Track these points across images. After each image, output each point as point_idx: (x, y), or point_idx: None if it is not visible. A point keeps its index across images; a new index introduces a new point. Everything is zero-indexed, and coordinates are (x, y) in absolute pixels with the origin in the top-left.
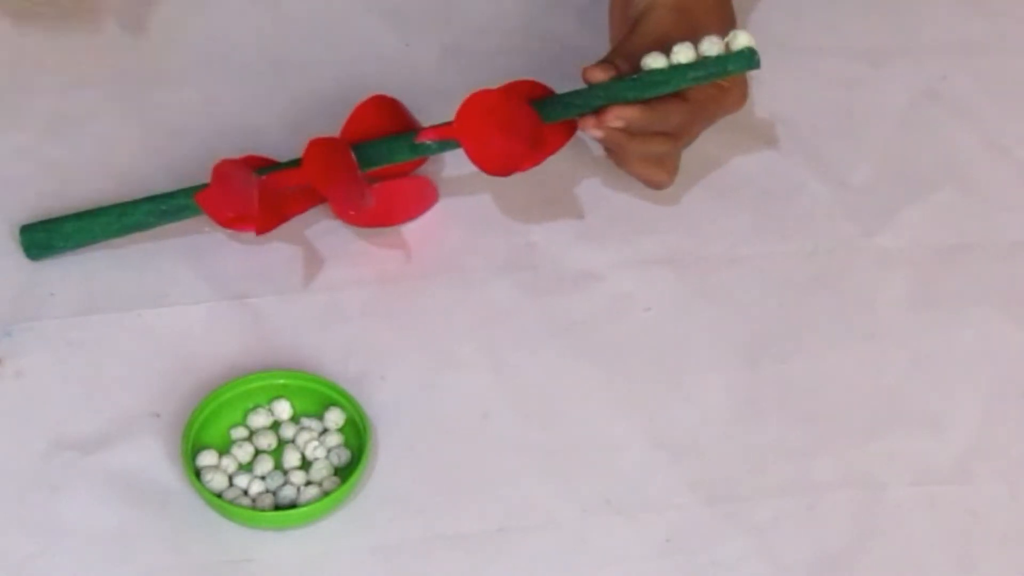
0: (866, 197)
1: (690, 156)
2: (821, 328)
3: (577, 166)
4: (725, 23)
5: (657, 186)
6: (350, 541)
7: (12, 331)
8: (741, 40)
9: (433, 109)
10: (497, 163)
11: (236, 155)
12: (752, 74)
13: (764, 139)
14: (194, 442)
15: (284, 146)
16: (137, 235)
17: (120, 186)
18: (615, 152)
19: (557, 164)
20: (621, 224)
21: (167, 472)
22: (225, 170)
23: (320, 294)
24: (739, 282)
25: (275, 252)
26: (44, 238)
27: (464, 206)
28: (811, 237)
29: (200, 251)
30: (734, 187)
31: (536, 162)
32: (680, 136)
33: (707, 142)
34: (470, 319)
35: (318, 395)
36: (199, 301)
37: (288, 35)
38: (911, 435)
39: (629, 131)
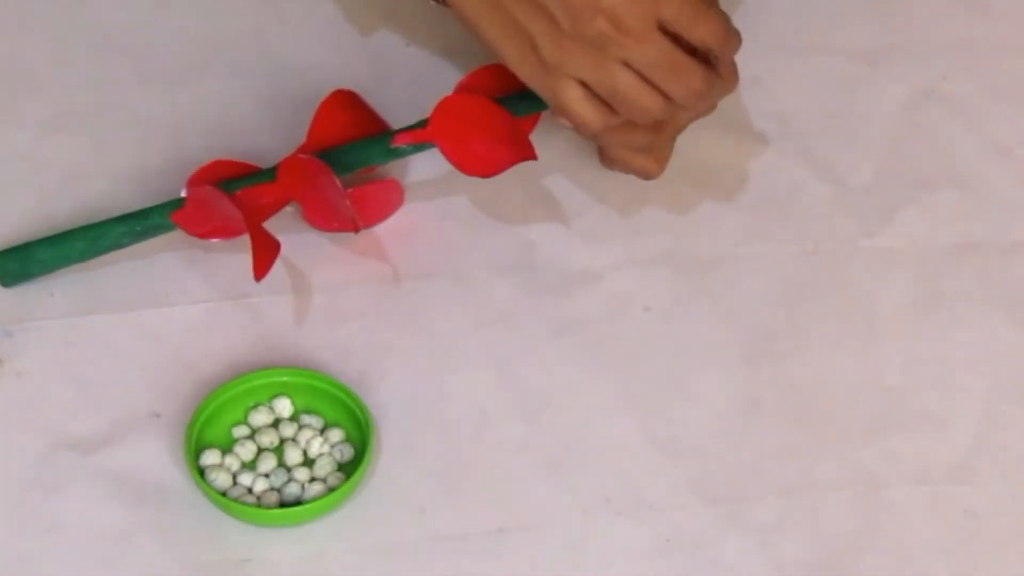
0: (866, 197)
1: (689, 156)
2: (821, 328)
3: (577, 166)
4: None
5: (646, 176)
6: (350, 541)
7: (12, 331)
8: None
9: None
10: (478, 165)
11: (231, 157)
12: (752, 74)
13: (764, 139)
14: (197, 441)
15: (283, 147)
16: None
17: (120, 186)
18: (599, 148)
19: (557, 164)
20: (621, 224)
21: (167, 472)
22: (202, 195)
23: (320, 294)
24: (739, 282)
25: None
26: (18, 267)
27: (463, 206)
28: (811, 237)
29: (200, 251)
30: (734, 187)
31: (519, 159)
32: (662, 126)
33: (706, 142)
34: (470, 319)
35: (319, 392)
36: (199, 301)
37: (288, 36)
38: (911, 435)
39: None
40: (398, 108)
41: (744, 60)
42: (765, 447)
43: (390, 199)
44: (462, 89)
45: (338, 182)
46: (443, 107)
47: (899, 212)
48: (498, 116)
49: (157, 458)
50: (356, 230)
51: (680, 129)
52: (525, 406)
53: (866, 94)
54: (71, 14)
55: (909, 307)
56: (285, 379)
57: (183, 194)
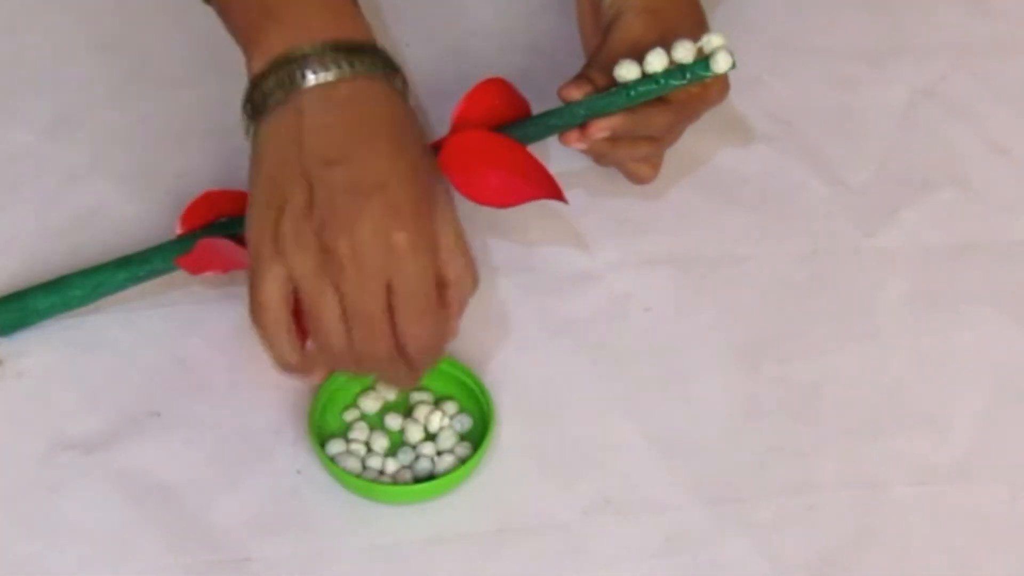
0: (866, 197)
1: (690, 156)
2: (821, 328)
3: (576, 166)
4: (697, 23)
5: (641, 182)
6: (350, 540)
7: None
8: (715, 42)
9: (433, 110)
10: (492, 196)
11: (230, 158)
12: (753, 74)
13: (764, 139)
14: (319, 431)
15: None
16: None
17: (120, 186)
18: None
19: (555, 164)
20: (621, 224)
21: (167, 472)
22: (211, 245)
23: None
24: (739, 282)
25: None
26: (17, 317)
27: (462, 206)
28: (811, 237)
29: None
30: (734, 187)
31: (543, 196)
32: (664, 138)
33: (706, 142)
34: (470, 319)
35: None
36: (199, 301)
37: None
38: (911, 435)
39: (613, 139)
40: None
41: (744, 60)
42: (765, 447)
43: None
44: (461, 117)
45: None
46: (451, 145)
47: (899, 212)
48: (514, 151)
49: (157, 458)
50: None
51: (676, 139)
52: (525, 406)
53: (866, 94)
54: (71, 14)
55: (909, 307)
56: None
57: (178, 230)
